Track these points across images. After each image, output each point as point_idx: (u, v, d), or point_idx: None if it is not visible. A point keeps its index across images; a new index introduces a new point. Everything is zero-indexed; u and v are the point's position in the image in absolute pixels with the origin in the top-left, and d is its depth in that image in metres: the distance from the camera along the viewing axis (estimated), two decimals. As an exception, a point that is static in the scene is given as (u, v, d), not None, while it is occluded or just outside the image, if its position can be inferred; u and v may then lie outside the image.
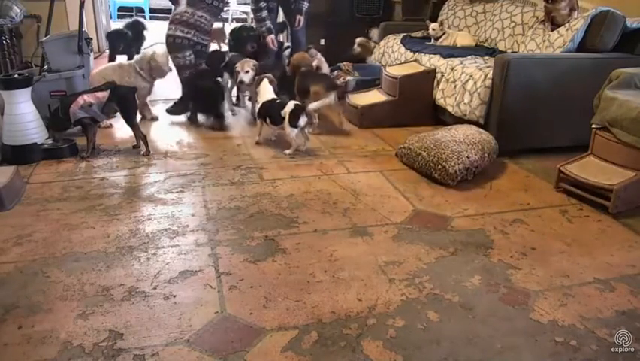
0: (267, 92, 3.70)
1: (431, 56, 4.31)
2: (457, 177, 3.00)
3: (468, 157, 3.04)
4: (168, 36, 4.16)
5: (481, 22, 4.83)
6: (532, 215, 2.72)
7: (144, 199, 2.82)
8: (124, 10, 10.31)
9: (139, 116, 3.84)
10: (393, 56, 4.89)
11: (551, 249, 2.40)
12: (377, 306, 1.95)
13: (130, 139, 3.64)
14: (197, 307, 1.92)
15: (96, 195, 2.86)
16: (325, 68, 4.59)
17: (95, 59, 5.09)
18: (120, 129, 3.96)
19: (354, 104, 4.24)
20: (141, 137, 3.49)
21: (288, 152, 3.52)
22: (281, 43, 5.07)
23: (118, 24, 6.40)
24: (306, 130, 3.56)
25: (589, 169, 2.89)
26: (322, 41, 5.78)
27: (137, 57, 4.22)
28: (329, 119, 4.20)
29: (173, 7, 4.36)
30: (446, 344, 1.77)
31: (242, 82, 4.12)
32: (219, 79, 4.27)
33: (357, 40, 5.45)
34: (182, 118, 4.25)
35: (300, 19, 4.86)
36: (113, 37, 5.63)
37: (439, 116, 4.13)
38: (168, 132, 4.00)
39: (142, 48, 5.35)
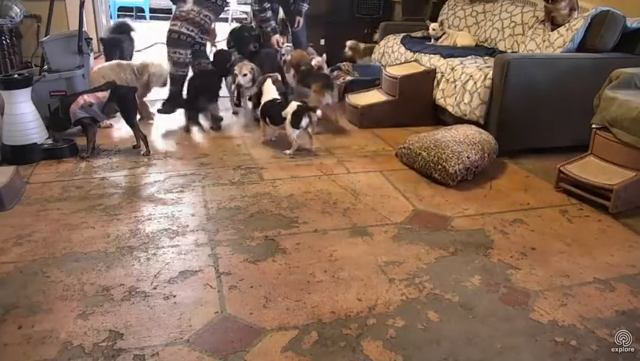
0: (269, 92, 3.70)
1: (431, 56, 4.31)
2: (457, 177, 3.00)
3: (468, 157, 3.04)
4: (172, 32, 4.15)
5: (481, 22, 4.83)
6: (532, 215, 2.72)
7: (144, 199, 2.82)
8: (124, 10, 10.28)
9: (138, 116, 3.83)
10: (393, 56, 4.89)
11: (551, 249, 2.40)
12: (377, 306, 1.95)
13: (130, 139, 3.64)
14: (197, 307, 1.92)
15: (96, 195, 2.86)
16: (325, 68, 4.59)
17: (94, 58, 5.08)
18: (120, 129, 3.96)
19: (354, 104, 4.24)
20: (141, 137, 3.49)
21: (288, 152, 3.53)
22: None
23: (126, 20, 6.31)
24: (309, 130, 3.56)
25: (589, 169, 2.89)
26: (322, 41, 5.78)
27: (138, 62, 4.19)
28: (328, 119, 4.20)
29: (174, 6, 4.36)
30: (446, 344, 1.77)
31: (240, 85, 4.15)
32: (224, 79, 4.28)
33: (348, 43, 5.48)
34: (183, 120, 4.23)
35: (300, 20, 4.88)
36: (108, 45, 5.41)
37: (439, 116, 4.13)
38: (168, 132, 4.00)
39: (133, 51, 5.30)
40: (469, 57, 4.03)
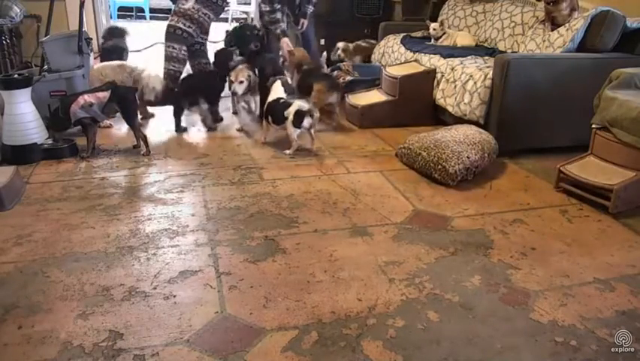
0: (276, 92, 3.69)
1: (431, 56, 4.31)
2: (457, 177, 3.00)
3: (468, 157, 3.04)
4: (169, 26, 4.18)
5: (481, 22, 4.83)
6: (532, 215, 2.72)
7: (144, 199, 2.82)
8: (124, 10, 10.28)
9: (140, 116, 3.84)
10: (393, 56, 4.89)
11: (551, 249, 2.40)
12: (377, 306, 1.95)
13: (130, 139, 3.64)
14: (197, 307, 1.92)
15: (96, 195, 2.86)
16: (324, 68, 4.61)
17: (95, 58, 5.08)
18: (120, 129, 3.96)
19: (354, 104, 4.24)
20: (141, 137, 3.50)
21: (288, 152, 3.53)
22: None
23: (117, 24, 6.31)
24: (311, 131, 3.56)
25: (589, 169, 2.89)
26: (322, 41, 5.79)
27: (139, 66, 4.17)
28: (327, 118, 4.20)
29: (174, 5, 4.36)
30: (446, 344, 1.77)
31: (235, 93, 3.95)
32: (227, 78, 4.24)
33: (340, 45, 5.47)
34: (183, 122, 4.22)
35: (304, 22, 4.85)
36: (107, 53, 5.35)
37: (439, 116, 4.13)
38: (168, 132, 4.00)
39: (127, 54, 5.27)
40: (469, 57, 4.03)
